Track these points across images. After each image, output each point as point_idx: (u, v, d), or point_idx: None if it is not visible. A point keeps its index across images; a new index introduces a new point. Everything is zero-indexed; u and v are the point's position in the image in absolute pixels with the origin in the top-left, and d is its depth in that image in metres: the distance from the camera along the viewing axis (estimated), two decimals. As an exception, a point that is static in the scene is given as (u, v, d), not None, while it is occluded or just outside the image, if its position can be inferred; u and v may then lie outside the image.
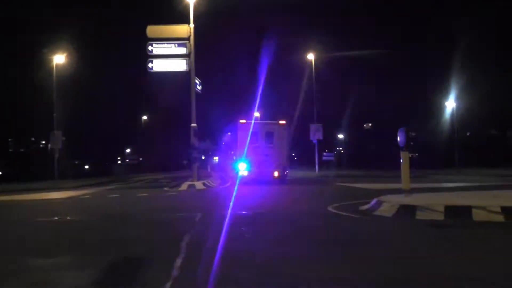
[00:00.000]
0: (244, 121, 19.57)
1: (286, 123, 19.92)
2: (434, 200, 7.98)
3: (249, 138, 18.62)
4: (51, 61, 27.97)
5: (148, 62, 19.25)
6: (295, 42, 44.35)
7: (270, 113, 47.65)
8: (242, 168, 18.79)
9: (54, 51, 28.25)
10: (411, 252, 4.89)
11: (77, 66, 34.88)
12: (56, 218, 8.74)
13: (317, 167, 32.54)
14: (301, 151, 50.88)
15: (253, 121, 19.90)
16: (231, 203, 11.05)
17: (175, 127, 57.62)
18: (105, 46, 47.00)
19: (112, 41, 48.01)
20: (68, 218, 8.79)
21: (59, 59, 28.08)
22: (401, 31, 46.63)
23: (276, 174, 18.87)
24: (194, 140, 19.18)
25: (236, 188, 17.74)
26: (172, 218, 8.07)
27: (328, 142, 46.43)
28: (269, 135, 19.27)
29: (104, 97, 47.37)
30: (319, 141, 32.08)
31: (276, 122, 19.94)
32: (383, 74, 43.53)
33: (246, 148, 18.64)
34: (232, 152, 22.04)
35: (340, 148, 55.36)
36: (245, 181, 18.28)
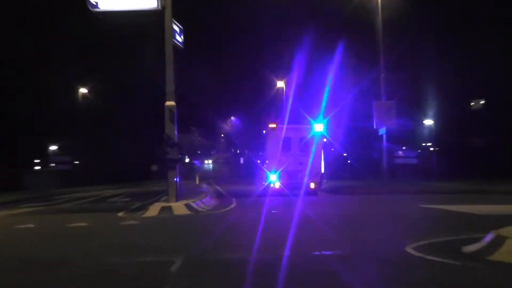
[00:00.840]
0: (274, 125, 26.91)
1: (323, 122, 26.53)
2: None
3: (280, 144, 26.09)
4: None
5: (91, -5, 19.31)
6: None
7: (300, 88, 47.70)
8: (273, 179, 25.97)
9: None
10: None
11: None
12: None
13: (386, 175, 32.40)
14: (358, 150, 50.71)
15: (284, 126, 27.01)
16: (238, 238, 10.98)
17: (137, 107, 57.92)
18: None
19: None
20: None
21: None
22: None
23: (312, 185, 25.79)
24: (170, 130, 19.13)
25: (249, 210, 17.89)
26: (132, 265, 8.10)
27: (407, 134, 46.16)
28: (303, 141, 26.16)
29: (11, 59, 46.85)
30: (390, 132, 31.73)
31: (311, 126, 26.58)
32: (495, 20, 42.88)
33: (277, 156, 25.84)
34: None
35: (429, 144, 55.25)
36: (274, 194, 25.09)
